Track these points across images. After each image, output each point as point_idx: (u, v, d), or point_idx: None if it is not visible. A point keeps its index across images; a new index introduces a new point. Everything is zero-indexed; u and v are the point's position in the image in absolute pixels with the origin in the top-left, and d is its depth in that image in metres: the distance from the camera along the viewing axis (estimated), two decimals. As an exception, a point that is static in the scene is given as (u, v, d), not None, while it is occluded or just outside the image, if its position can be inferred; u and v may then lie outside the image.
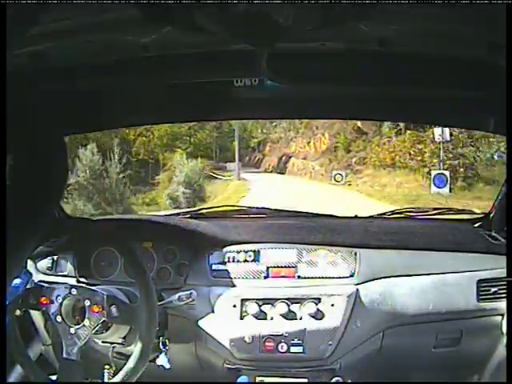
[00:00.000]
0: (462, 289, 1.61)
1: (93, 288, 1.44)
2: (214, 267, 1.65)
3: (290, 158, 26.24)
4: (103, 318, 1.37)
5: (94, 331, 1.38)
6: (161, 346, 1.56)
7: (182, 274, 1.66)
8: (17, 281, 1.39)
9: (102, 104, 1.41)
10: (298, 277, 1.62)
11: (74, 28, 0.93)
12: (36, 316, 1.68)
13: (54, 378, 1.51)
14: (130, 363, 1.39)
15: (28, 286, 1.44)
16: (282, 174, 25.52)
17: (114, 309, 1.38)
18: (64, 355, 1.38)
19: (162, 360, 1.55)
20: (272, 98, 1.40)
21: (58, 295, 1.40)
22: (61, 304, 1.39)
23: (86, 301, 1.38)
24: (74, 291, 1.40)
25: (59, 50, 1.02)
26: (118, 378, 1.40)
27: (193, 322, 1.62)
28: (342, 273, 1.61)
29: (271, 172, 27.28)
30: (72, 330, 1.37)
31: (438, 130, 13.10)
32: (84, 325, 1.37)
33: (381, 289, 1.59)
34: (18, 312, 1.45)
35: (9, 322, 1.42)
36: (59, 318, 1.39)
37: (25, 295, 1.41)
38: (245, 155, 34.23)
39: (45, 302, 1.40)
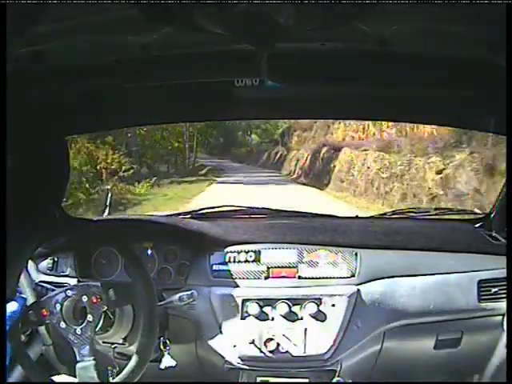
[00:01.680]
0: (463, 289, 1.61)
1: (87, 283, 1.43)
2: (214, 267, 1.65)
3: (340, 150, 13.99)
4: (104, 307, 1.37)
5: (97, 328, 1.38)
6: (162, 347, 1.56)
7: (183, 274, 1.66)
8: (13, 307, 1.38)
9: (102, 104, 1.41)
10: (299, 277, 1.62)
11: (74, 28, 0.93)
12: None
13: (54, 378, 1.51)
14: (131, 363, 1.39)
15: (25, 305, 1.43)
16: (319, 188, 13.58)
17: (111, 292, 1.37)
18: (78, 358, 1.37)
19: (168, 361, 1.55)
20: (272, 98, 1.40)
21: (57, 301, 1.40)
22: (61, 310, 1.39)
23: (84, 297, 1.38)
24: (69, 292, 1.40)
25: (59, 49, 1.02)
26: (119, 379, 1.40)
27: (193, 323, 1.62)
28: (343, 273, 1.61)
29: (296, 180, 16.49)
30: (78, 331, 1.37)
31: None
32: (88, 321, 1.37)
33: (381, 289, 1.59)
34: (23, 337, 1.44)
35: (12, 348, 1.41)
36: (63, 324, 1.38)
37: (24, 317, 1.40)
38: (263, 151, 27.18)
39: (45, 314, 1.40)
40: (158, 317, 1.44)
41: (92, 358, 1.36)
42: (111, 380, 1.44)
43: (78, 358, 1.37)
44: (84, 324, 1.37)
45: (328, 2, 0.85)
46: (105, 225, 1.86)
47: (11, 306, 1.38)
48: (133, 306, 1.48)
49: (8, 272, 1.11)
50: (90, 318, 1.37)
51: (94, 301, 1.36)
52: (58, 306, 1.39)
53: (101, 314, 1.37)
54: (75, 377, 1.39)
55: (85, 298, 1.37)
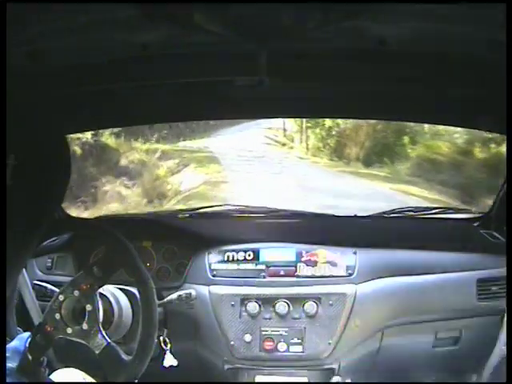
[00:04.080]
0: (462, 288, 1.61)
1: (72, 278, 1.40)
2: (213, 266, 1.65)
3: None
4: (96, 287, 1.35)
5: (100, 319, 1.37)
6: (163, 345, 1.56)
7: (182, 273, 1.66)
8: (16, 343, 1.35)
9: (102, 104, 1.40)
10: (298, 276, 1.62)
11: (74, 28, 0.93)
12: (36, 316, 1.68)
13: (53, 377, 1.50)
14: (131, 363, 1.38)
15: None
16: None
17: (95, 270, 1.35)
18: (95, 350, 1.34)
19: (170, 359, 1.55)
20: (272, 97, 1.40)
21: (54, 312, 1.36)
22: (61, 317, 1.37)
23: (75, 292, 1.34)
24: (61, 297, 1.35)
25: (59, 49, 1.02)
26: (118, 378, 1.40)
27: (192, 322, 1.62)
28: (342, 272, 1.61)
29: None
30: (84, 326, 1.35)
31: None
32: (88, 311, 1.35)
33: (380, 288, 1.60)
34: (42, 370, 1.38)
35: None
36: (69, 330, 1.36)
37: (33, 345, 1.36)
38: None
39: (50, 329, 1.36)
40: (157, 316, 1.44)
41: (109, 340, 1.34)
42: (111, 380, 1.43)
43: (95, 351, 1.34)
44: (86, 317, 1.36)
45: (328, 2, 0.85)
46: (104, 224, 1.86)
47: (15, 342, 1.36)
48: (132, 305, 1.48)
49: (8, 271, 1.11)
50: (88, 307, 1.35)
51: (85, 288, 1.35)
52: (58, 316, 1.37)
53: (97, 300, 1.36)
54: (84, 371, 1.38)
55: (76, 293, 1.36)
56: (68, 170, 1.34)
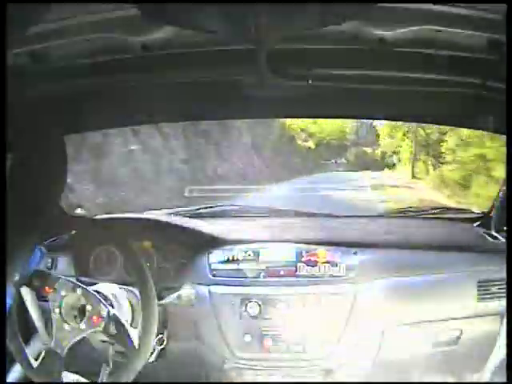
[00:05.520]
0: (462, 288, 1.61)
1: (98, 296, 1.39)
2: (213, 266, 1.65)
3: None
4: (99, 329, 1.35)
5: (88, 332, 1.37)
6: (157, 344, 1.55)
7: (182, 273, 1.66)
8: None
9: (102, 104, 1.40)
10: (298, 276, 1.62)
11: (74, 28, 0.93)
12: (36, 315, 1.67)
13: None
14: (129, 361, 1.38)
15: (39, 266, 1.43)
16: None
17: (112, 327, 1.35)
18: (52, 345, 1.36)
19: (154, 356, 1.54)
20: (272, 97, 1.40)
21: (62, 287, 1.39)
22: (62, 299, 1.38)
23: (88, 306, 1.36)
24: (78, 290, 1.39)
25: (59, 49, 1.02)
26: (116, 377, 1.40)
27: (192, 322, 1.62)
28: (342, 272, 1.61)
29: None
30: (66, 327, 1.36)
31: None
32: (80, 328, 1.36)
33: (380, 288, 1.60)
34: (23, 289, 1.42)
35: (13, 298, 1.39)
36: (57, 311, 1.37)
37: (33, 275, 1.39)
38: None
39: (48, 291, 1.38)
40: (156, 316, 1.43)
41: (62, 353, 1.35)
42: (109, 379, 1.43)
43: (52, 345, 1.36)
44: (74, 326, 1.35)
45: (328, 2, 0.85)
46: (104, 223, 1.86)
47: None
48: (131, 303, 1.48)
49: (8, 271, 1.11)
50: (82, 326, 1.35)
51: (94, 320, 1.34)
52: (63, 293, 1.38)
53: (91, 331, 1.36)
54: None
55: (89, 307, 1.36)
56: (66, 169, 1.35)
